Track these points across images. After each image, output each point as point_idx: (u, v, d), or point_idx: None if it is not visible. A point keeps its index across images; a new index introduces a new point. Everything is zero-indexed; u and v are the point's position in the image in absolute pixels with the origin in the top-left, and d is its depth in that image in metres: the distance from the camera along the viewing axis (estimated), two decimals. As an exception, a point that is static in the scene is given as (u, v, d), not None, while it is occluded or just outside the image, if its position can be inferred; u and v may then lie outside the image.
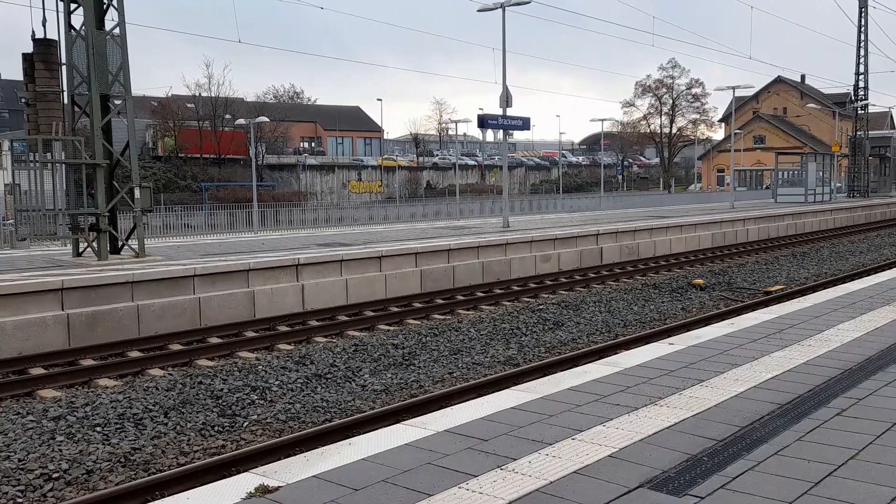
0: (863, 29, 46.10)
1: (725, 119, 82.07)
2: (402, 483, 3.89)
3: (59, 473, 6.71)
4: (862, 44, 46.38)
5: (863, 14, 46.01)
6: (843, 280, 17.42)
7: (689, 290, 16.90)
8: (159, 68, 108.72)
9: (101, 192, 15.18)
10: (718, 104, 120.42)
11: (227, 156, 61.26)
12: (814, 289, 15.92)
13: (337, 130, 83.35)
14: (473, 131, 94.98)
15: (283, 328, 12.97)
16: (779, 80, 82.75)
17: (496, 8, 23.36)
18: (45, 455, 7.13)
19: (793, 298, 12.00)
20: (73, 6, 15.36)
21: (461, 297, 15.91)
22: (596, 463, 4.13)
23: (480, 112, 25.91)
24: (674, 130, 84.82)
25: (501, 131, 26.20)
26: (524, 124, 25.29)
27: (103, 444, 7.46)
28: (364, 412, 8.34)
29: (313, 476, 4.00)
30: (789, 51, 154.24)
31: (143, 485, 6.25)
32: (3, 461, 6.94)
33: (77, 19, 15.34)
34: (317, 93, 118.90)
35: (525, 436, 4.58)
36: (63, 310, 11.54)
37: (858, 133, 48.73)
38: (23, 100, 29.01)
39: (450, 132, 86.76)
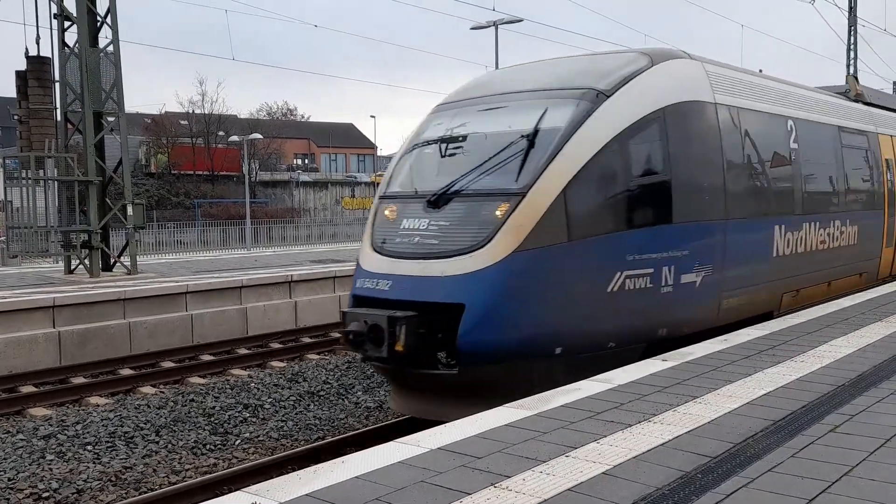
0: (852, 47, 46.53)
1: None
2: (396, 502, 3.86)
3: (49, 493, 6.66)
4: (851, 61, 46.79)
5: (852, 32, 46.44)
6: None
7: (682, 307, 16.88)
8: (152, 85, 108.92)
9: (93, 209, 15.16)
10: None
11: (221, 172, 61.18)
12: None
13: (330, 147, 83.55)
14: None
15: (276, 345, 12.93)
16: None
17: (489, 26, 23.54)
18: (35, 474, 7.07)
19: (785, 315, 12.00)
20: (66, 24, 15.41)
21: (454, 314, 15.87)
22: (590, 480, 4.11)
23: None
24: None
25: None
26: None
27: (94, 462, 7.40)
28: (357, 430, 8.31)
29: (306, 494, 3.97)
30: (779, 68, 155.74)
31: (133, 504, 6.21)
32: (-8, 480, 6.89)
33: (71, 37, 15.41)
34: (309, 110, 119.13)
35: (519, 453, 4.56)
36: (54, 327, 11.49)
37: (848, 149, 49.00)
38: (15, 117, 28.98)
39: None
